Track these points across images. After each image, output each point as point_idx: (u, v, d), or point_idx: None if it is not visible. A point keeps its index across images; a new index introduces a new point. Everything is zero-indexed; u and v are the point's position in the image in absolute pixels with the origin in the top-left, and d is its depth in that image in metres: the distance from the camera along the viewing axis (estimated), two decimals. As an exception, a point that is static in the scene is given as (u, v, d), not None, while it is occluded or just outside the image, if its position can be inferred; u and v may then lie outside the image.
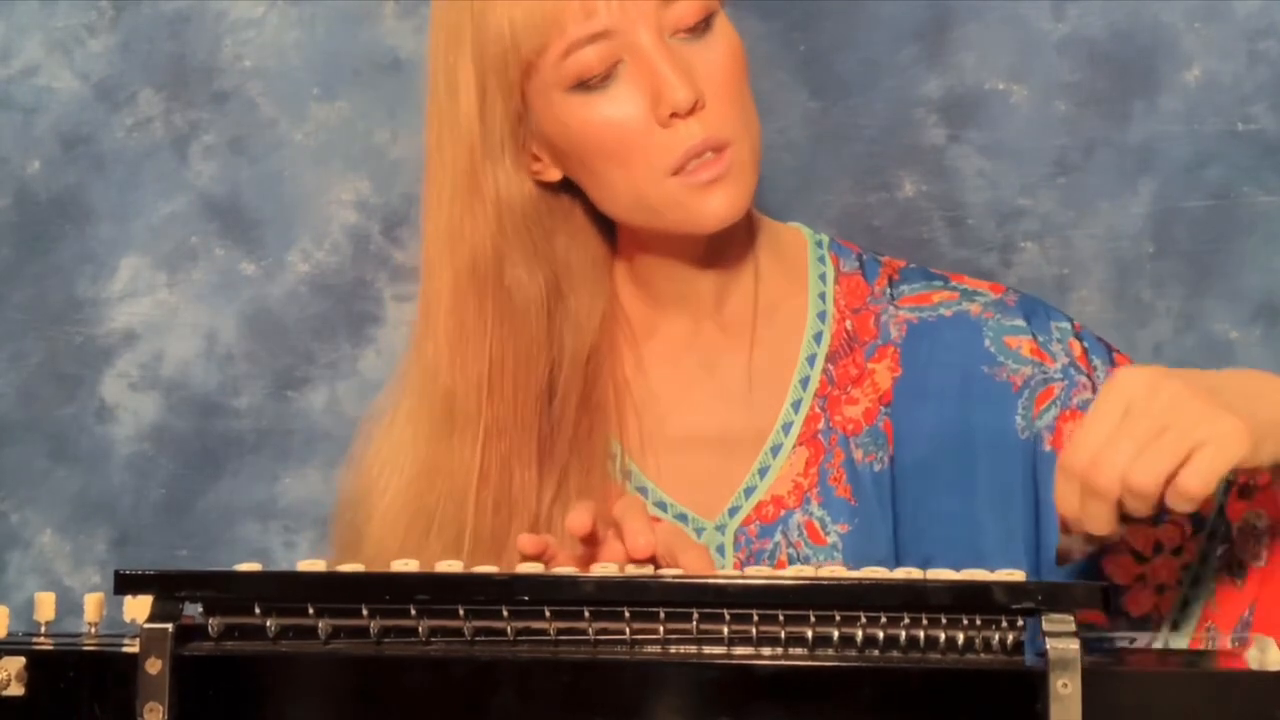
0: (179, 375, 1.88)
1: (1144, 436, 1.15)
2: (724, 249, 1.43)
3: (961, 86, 1.79)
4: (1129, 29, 1.78)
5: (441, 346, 1.41)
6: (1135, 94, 1.77)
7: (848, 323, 1.45)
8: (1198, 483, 1.15)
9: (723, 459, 1.44)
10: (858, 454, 1.42)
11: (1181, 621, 1.36)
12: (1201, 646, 1.34)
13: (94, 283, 1.88)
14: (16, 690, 1.04)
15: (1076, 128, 1.78)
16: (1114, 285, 1.78)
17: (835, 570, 1.08)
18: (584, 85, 1.34)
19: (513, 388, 1.40)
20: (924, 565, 1.37)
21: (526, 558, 1.22)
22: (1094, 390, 1.40)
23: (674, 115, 1.33)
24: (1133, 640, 1.34)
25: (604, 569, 1.12)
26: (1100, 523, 1.18)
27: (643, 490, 1.43)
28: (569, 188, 1.41)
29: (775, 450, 1.43)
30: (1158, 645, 1.36)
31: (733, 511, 1.42)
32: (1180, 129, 1.77)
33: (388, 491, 1.43)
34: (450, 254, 1.40)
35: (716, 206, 1.35)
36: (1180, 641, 1.36)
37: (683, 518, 1.43)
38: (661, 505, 1.43)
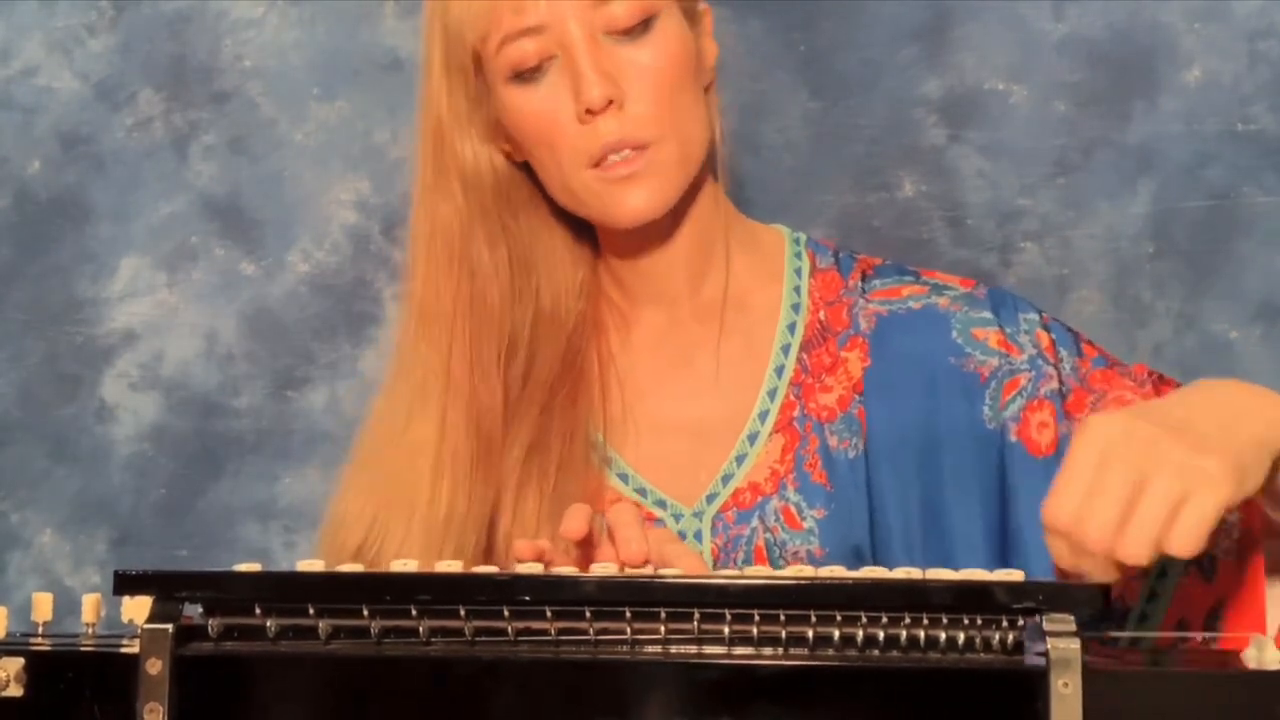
0: (179, 375, 1.88)
1: (1123, 491, 1.12)
2: (690, 242, 1.47)
3: (961, 86, 1.79)
4: (1129, 29, 1.78)
5: (414, 310, 1.47)
6: (1135, 94, 1.77)
7: (821, 313, 1.48)
8: (1187, 545, 1.12)
9: (700, 446, 1.46)
10: (832, 440, 1.44)
11: (1150, 613, 1.37)
12: (1172, 640, 1.34)
13: (94, 283, 1.88)
14: (15, 691, 1.04)
15: (1076, 128, 1.78)
16: (1114, 285, 1.78)
17: (836, 570, 1.08)
18: (519, 76, 1.40)
19: (471, 353, 1.44)
20: (896, 549, 1.39)
21: (523, 563, 1.23)
22: (1060, 381, 1.43)
23: (589, 111, 1.37)
24: (1135, 641, 1.34)
25: (604, 569, 1.12)
26: (1099, 574, 1.15)
27: (623, 477, 1.46)
28: None
29: (752, 438, 1.45)
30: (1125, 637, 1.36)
31: (710, 498, 1.45)
32: (1180, 129, 1.77)
33: (360, 450, 1.49)
34: (425, 227, 1.46)
35: (632, 203, 1.39)
36: (1149, 633, 1.36)
37: (661, 504, 1.45)
38: (641, 491, 1.45)
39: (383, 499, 1.43)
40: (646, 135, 1.38)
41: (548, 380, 1.45)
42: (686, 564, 1.26)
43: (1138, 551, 1.12)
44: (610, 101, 1.37)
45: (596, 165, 1.38)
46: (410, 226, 1.48)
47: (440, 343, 1.45)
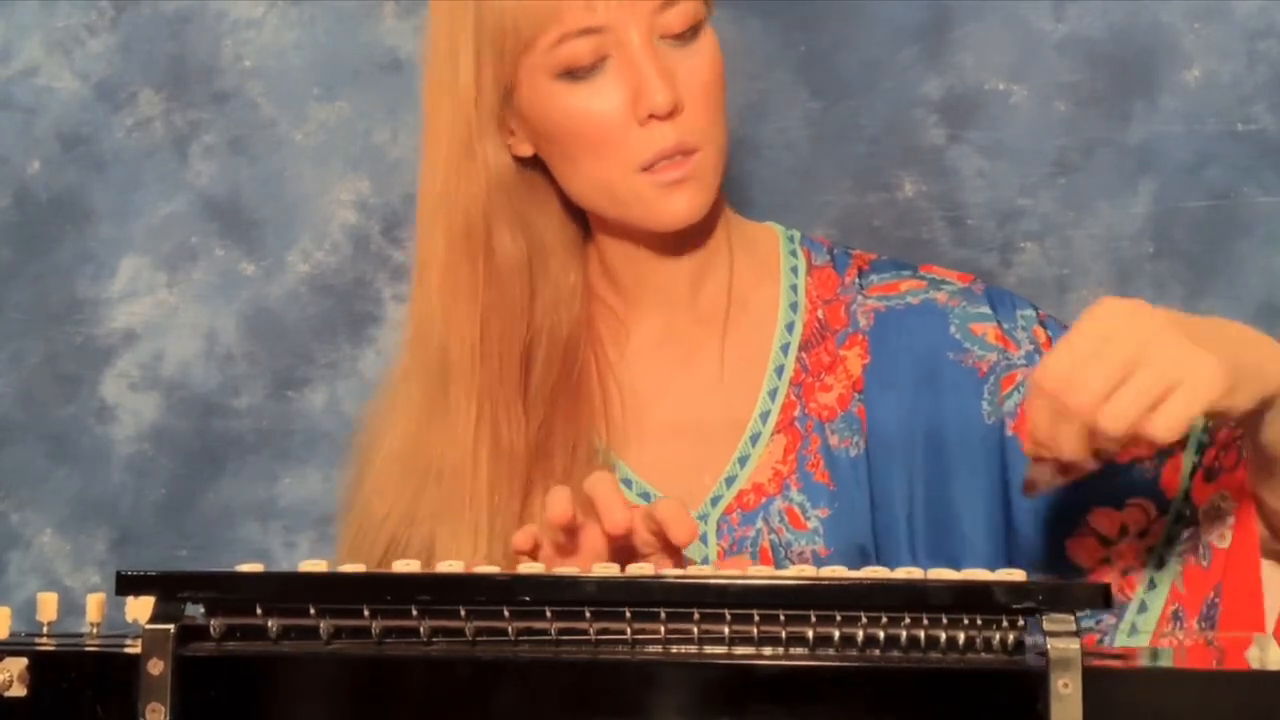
0: (179, 375, 1.88)
1: (1119, 364, 1.14)
2: (694, 244, 1.47)
3: (961, 86, 1.79)
4: (1129, 29, 1.78)
5: (435, 306, 1.44)
6: (1135, 94, 1.78)
7: (819, 312, 1.48)
8: (1166, 428, 1.14)
9: (703, 449, 1.46)
10: (833, 439, 1.44)
11: (1149, 603, 1.37)
12: (1168, 629, 1.34)
13: (94, 283, 1.88)
14: (19, 691, 1.04)
15: (1076, 128, 1.78)
16: (1114, 285, 1.78)
17: (836, 570, 1.08)
18: (570, 74, 1.39)
19: (498, 348, 1.43)
20: (899, 546, 1.40)
21: (520, 554, 1.24)
22: None
23: (652, 116, 1.37)
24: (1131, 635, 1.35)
25: (605, 569, 1.12)
26: (1070, 445, 1.17)
27: (627, 482, 1.46)
28: (543, 166, 1.45)
29: (754, 439, 1.45)
30: (1124, 626, 1.37)
31: (715, 500, 1.45)
32: (1180, 129, 1.77)
33: (384, 444, 1.47)
34: (445, 217, 1.44)
35: (678, 207, 1.39)
36: (1147, 623, 1.36)
37: None
38: (645, 495, 1.45)
39: (418, 498, 1.43)
40: (697, 140, 1.38)
41: (547, 389, 1.44)
42: (679, 529, 1.25)
43: (1117, 423, 1.14)
44: (675, 107, 1.37)
45: (646, 169, 1.38)
46: (421, 222, 1.46)
47: (466, 339, 1.42)
